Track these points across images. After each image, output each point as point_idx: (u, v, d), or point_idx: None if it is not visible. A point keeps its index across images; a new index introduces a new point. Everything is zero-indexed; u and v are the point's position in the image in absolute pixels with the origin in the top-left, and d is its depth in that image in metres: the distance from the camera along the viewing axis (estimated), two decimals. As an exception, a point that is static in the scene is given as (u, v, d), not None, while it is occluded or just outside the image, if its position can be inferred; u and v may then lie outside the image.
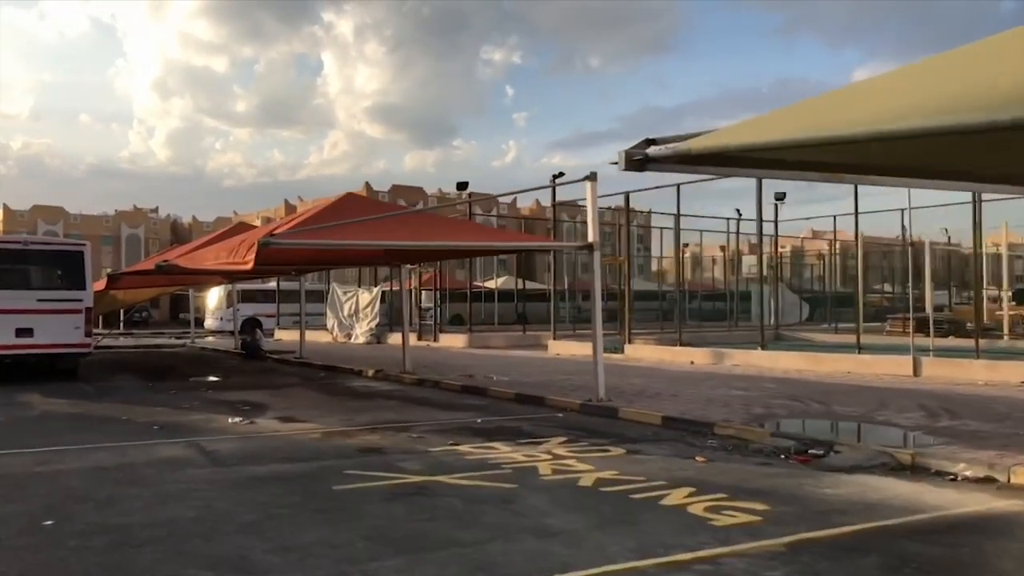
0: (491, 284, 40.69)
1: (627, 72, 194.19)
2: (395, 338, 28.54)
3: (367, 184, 76.17)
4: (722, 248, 37.83)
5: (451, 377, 15.90)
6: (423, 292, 34.45)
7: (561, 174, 23.13)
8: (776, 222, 25.93)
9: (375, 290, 31.23)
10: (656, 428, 10.11)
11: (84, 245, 17.53)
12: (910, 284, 17.48)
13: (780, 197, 27.44)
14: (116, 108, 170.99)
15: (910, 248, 16.77)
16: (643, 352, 21.06)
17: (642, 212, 33.48)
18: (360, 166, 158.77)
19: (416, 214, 18.24)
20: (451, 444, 8.94)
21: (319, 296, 33.18)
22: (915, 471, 7.34)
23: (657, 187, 21.94)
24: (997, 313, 24.99)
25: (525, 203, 79.76)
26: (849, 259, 39.83)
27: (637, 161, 4.40)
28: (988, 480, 6.93)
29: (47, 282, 16.93)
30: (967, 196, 21.38)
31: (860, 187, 18.35)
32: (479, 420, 11.01)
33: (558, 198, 25.82)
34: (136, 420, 11.17)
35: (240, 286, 34.27)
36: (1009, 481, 6.85)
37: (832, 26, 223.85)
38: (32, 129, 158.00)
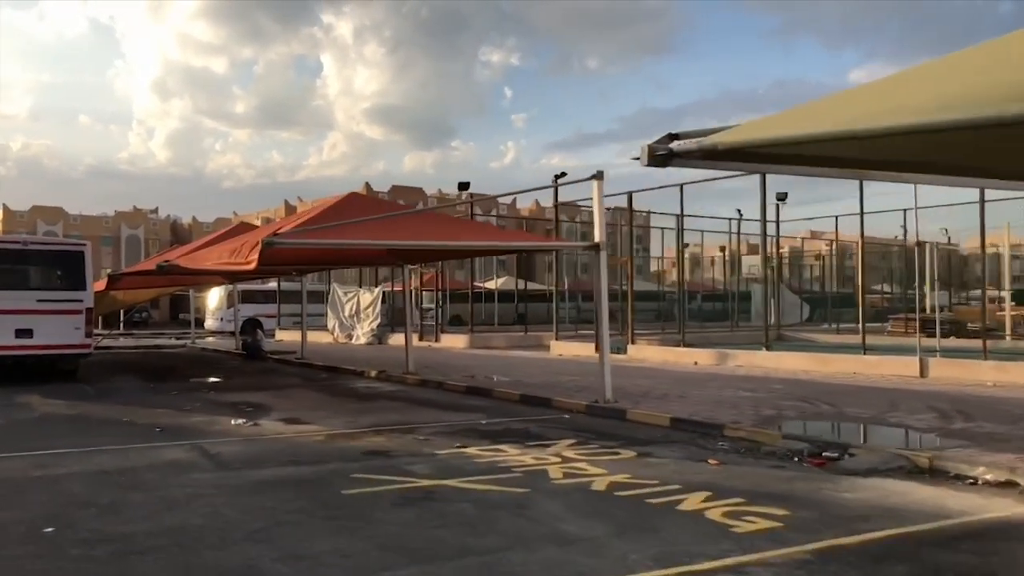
0: (491, 284, 40.52)
1: (626, 73, 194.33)
2: (396, 339, 28.39)
3: (367, 185, 76.00)
4: (722, 249, 37.72)
5: (454, 378, 15.75)
6: (423, 293, 34.31)
7: (563, 174, 23.00)
8: (777, 222, 25.83)
9: (376, 290, 31.08)
10: (665, 430, 9.96)
11: (84, 245, 17.36)
12: (916, 284, 17.32)
13: (782, 197, 27.30)
14: (115, 109, 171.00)
15: (916, 248, 16.59)
16: (646, 353, 20.92)
17: (640, 212, 33.34)
18: (359, 167, 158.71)
19: (419, 214, 18.08)
20: (458, 446, 8.79)
21: (320, 297, 33.02)
22: (934, 474, 7.20)
23: (661, 187, 21.85)
24: (998, 313, 24.87)
25: (524, 204, 79.65)
26: (847, 259, 39.79)
27: (660, 156, 4.24)
28: (1010, 484, 6.78)
29: (47, 282, 16.77)
30: (968, 196, 21.26)
31: (861, 188, 18.28)
32: (485, 422, 10.86)
33: (557, 199, 25.68)
34: (137, 422, 11.02)
35: (241, 286, 34.07)
36: (1031, 485, 6.70)
37: (831, 27, 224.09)
38: (31, 130, 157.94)
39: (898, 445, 8.50)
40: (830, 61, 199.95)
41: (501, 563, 4.87)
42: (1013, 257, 27.52)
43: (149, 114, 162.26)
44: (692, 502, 6.22)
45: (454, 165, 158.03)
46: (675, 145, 4.27)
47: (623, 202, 23.05)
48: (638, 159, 4.37)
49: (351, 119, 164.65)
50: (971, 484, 6.85)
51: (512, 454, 8.34)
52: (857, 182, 17.49)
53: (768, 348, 18.91)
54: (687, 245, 31.51)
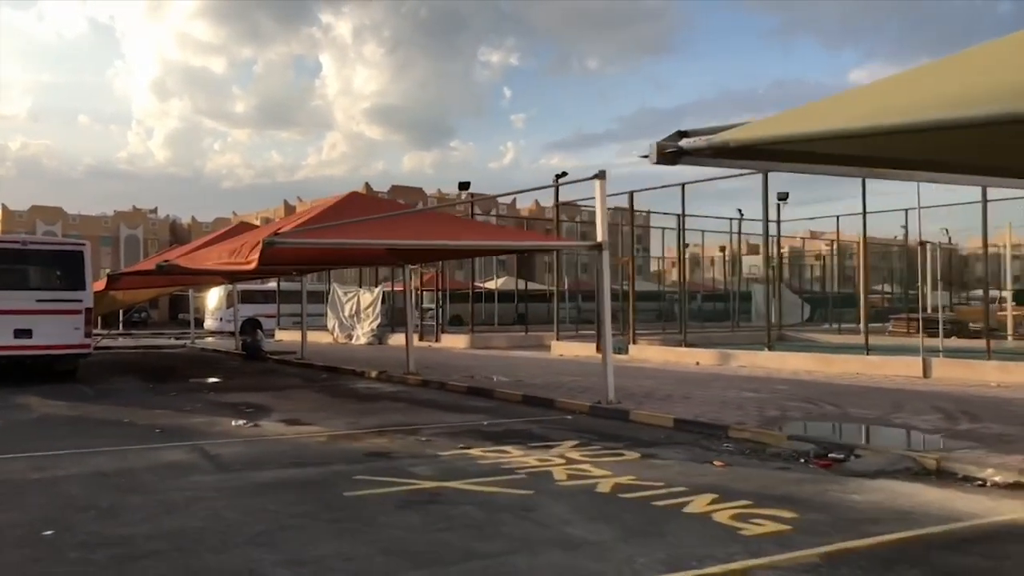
0: (491, 285, 40.45)
1: (625, 73, 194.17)
2: (396, 339, 28.32)
3: (366, 184, 75.89)
4: (721, 249, 37.66)
5: (456, 378, 15.67)
6: (424, 293, 34.24)
7: (564, 173, 22.97)
8: (779, 222, 25.79)
9: (376, 290, 31.00)
10: (669, 431, 9.89)
11: (84, 245, 17.27)
12: (920, 284, 17.29)
13: (783, 197, 27.27)
14: (115, 109, 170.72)
15: (919, 248, 16.53)
16: (647, 353, 20.85)
17: (640, 212, 33.26)
18: (358, 167, 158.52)
19: (420, 213, 18.01)
20: (462, 448, 8.72)
21: (319, 297, 32.94)
22: (941, 476, 7.13)
23: (663, 186, 21.76)
24: (999, 314, 24.81)
25: (524, 204, 79.58)
26: (846, 259, 39.74)
27: (670, 154, 4.17)
28: (1019, 486, 6.71)
29: (46, 282, 16.69)
30: (969, 196, 21.19)
31: (864, 188, 18.22)
32: (487, 423, 10.79)
33: (558, 198, 25.61)
34: (137, 423, 10.94)
35: (240, 286, 33.99)
36: (1041, 487, 6.64)
37: (830, 27, 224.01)
38: (30, 130, 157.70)
39: (904, 446, 8.44)
40: (829, 61, 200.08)
41: (506, 567, 4.80)
42: (1013, 257, 27.41)
43: (148, 114, 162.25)
44: (698, 504, 6.15)
45: (453, 165, 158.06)
46: (685, 143, 4.21)
47: (623, 202, 23.01)
48: (646, 157, 4.31)
49: (350, 119, 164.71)
50: (979, 486, 6.78)
51: (516, 455, 8.27)
52: (857, 182, 17.45)
53: (770, 348, 18.83)
54: (687, 245, 31.48)
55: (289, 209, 74.80)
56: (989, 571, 4.83)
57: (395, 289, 31.90)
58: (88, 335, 16.65)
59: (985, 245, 16.85)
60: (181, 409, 12.29)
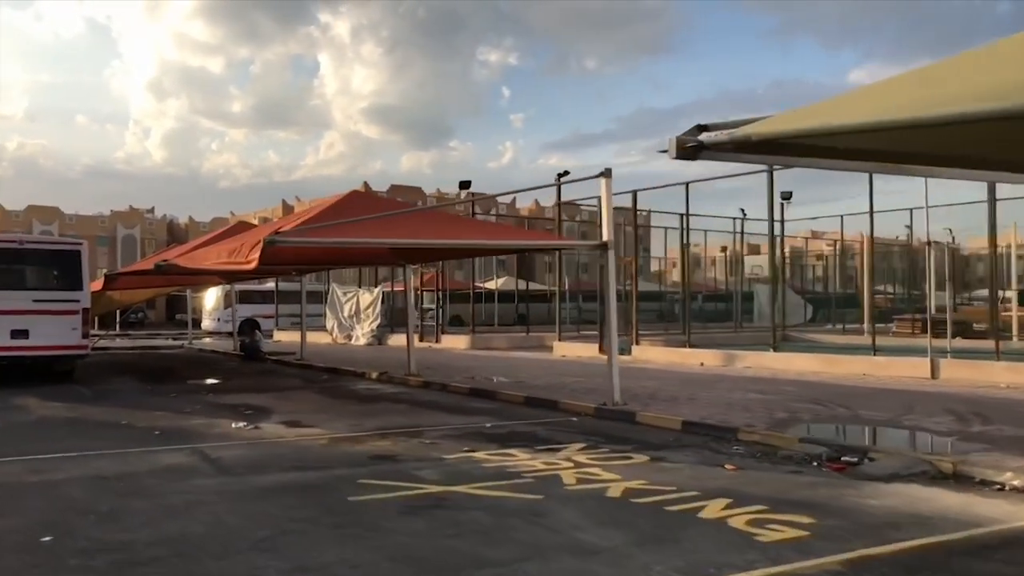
0: (491, 285, 40.30)
1: (624, 73, 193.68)
2: (396, 339, 28.18)
3: (365, 184, 75.70)
4: (723, 249, 37.53)
5: (458, 380, 15.52)
6: (423, 293, 34.08)
7: (566, 172, 22.84)
8: (782, 221, 25.65)
9: (376, 291, 30.84)
10: (677, 433, 9.74)
11: (81, 244, 17.09)
12: (928, 284, 17.10)
13: (786, 196, 27.11)
14: (112, 109, 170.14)
15: (927, 248, 16.39)
16: (651, 354, 20.71)
17: (640, 212, 33.11)
18: (356, 167, 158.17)
19: (422, 212, 17.87)
20: (467, 451, 8.57)
21: (318, 297, 32.79)
22: (958, 480, 6.98)
23: (666, 185, 21.63)
24: (1004, 314, 24.69)
25: (524, 203, 79.41)
26: (848, 260, 39.60)
27: (690, 149, 4.04)
28: (1038, 490, 6.57)
29: (43, 282, 16.53)
30: (974, 196, 21.09)
31: (862, 187, 18.09)
32: (491, 425, 10.63)
33: (556, 198, 25.46)
34: (136, 425, 10.79)
35: (238, 287, 33.82)
36: (1061, 491, 6.50)
37: (829, 27, 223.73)
38: (28, 130, 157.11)
39: (919, 449, 8.30)
40: (828, 61, 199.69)
41: (518, 575, 4.66)
42: (1018, 257, 27.29)
43: (145, 114, 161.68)
44: (713, 509, 6.00)
45: (452, 165, 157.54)
46: (704, 137, 4.08)
47: (622, 201, 22.82)
48: (665, 152, 4.17)
49: (348, 119, 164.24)
50: (998, 490, 6.63)
51: (522, 459, 8.12)
52: (859, 183, 17.40)
53: (776, 349, 18.68)
54: (688, 245, 31.32)
55: (287, 209, 74.60)
56: (1017, 579, 4.69)
57: (394, 289, 31.77)
58: (86, 335, 16.49)
59: (994, 244, 16.70)
60: (180, 411, 12.13)
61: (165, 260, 16.43)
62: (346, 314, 31.61)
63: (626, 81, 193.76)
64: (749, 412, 10.75)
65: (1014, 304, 24.67)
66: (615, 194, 12.62)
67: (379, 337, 29.72)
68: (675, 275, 41.06)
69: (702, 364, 18.75)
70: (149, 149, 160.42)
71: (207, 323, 41.19)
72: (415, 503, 6.33)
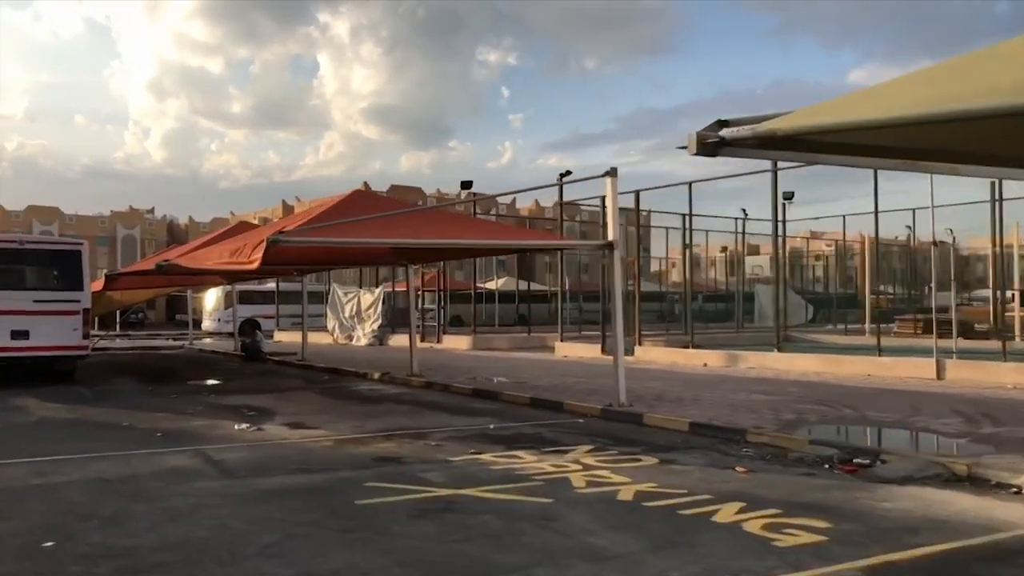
0: (491, 285, 40.21)
1: (623, 73, 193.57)
2: (397, 340, 28.09)
3: (366, 184, 75.56)
4: (723, 249, 37.42)
5: (460, 380, 15.42)
6: (424, 293, 33.97)
7: (568, 172, 22.73)
8: (784, 221, 25.51)
9: (377, 291, 30.73)
10: (684, 435, 9.64)
11: (82, 244, 16.98)
12: (932, 284, 17.01)
13: (788, 196, 26.97)
14: (111, 109, 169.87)
15: (932, 248, 16.31)
16: (653, 354, 20.60)
17: (641, 212, 32.98)
18: (356, 167, 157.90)
19: (426, 212, 17.76)
20: (473, 453, 8.46)
21: (318, 297, 32.67)
22: (974, 483, 6.88)
23: (669, 185, 21.53)
24: (1006, 315, 24.61)
25: (523, 203, 79.30)
26: (848, 260, 39.52)
27: (711, 144, 3.93)
28: (1055, 493, 6.48)
29: (44, 282, 16.41)
30: (976, 196, 21.02)
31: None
32: (495, 426, 10.53)
33: (557, 198, 25.37)
34: (138, 426, 10.69)
35: (239, 287, 33.71)
36: (1079, 494, 6.40)
37: (829, 27, 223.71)
38: (27, 130, 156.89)
39: (931, 451, 8.21)
40: (828, 61, 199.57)
41: (533, 582, 4.56)
42: (1020, 257, 27.18)
43: (145, 114, 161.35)
44: (727, 513, 5.90)
45: (451, 165, 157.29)
46: (726, 132, 3.96)
47: (624, 201, 22.68)
48: (685, 148, 4.06)
49: (348, 119, 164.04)
50: (1015, 493, 6.53)
51: (529, 461, 8.02)
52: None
53: (780, 349, 18.57)
54: (689, 245, 31.22)
55: (287, 209, 74.47)
56: (1041, 585, 4.59)
57: (395, 289, 31.66)
58: (86, 336, 16.39)
59: (1001, 244, 16.65)
60: (182, 412, 12.02)
61: (166, 260, 16.33)
62: (347, 314, 31.50)
63: (625, 81, 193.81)
64: (756, 413, 10.65)
65: (1016, 304, 24.57)
66: (621, 193, 12.49)
67: (380, 337, 29.61)
68: (675, 275, 41.00)
69: (705, 365, 18.66)
70: (149, 149, 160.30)
71: (207, 323, 41.06)
72: (423, 506, 6.23)
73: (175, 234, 78.89)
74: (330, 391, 15.27)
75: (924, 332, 23.35)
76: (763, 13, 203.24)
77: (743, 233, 31.06)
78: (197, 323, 40.12)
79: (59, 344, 15.73)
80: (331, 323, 32.29)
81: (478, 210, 31.85)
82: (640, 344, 21.27)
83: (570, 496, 6.57)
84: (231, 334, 28.94)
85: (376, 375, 17.23)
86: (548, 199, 63.42)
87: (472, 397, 13.85)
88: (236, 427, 10.43)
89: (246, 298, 37.58)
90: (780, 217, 21.34)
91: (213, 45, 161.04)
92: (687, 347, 20.71)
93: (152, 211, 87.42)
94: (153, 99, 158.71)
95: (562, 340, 23.84)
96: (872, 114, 3.54)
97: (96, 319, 31.81)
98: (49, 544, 5.29)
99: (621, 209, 24.65)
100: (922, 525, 5.65)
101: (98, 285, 21.25)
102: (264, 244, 10.35)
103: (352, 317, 31.21)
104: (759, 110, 3.98)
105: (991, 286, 24.10)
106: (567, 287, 29.63)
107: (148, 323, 60.68)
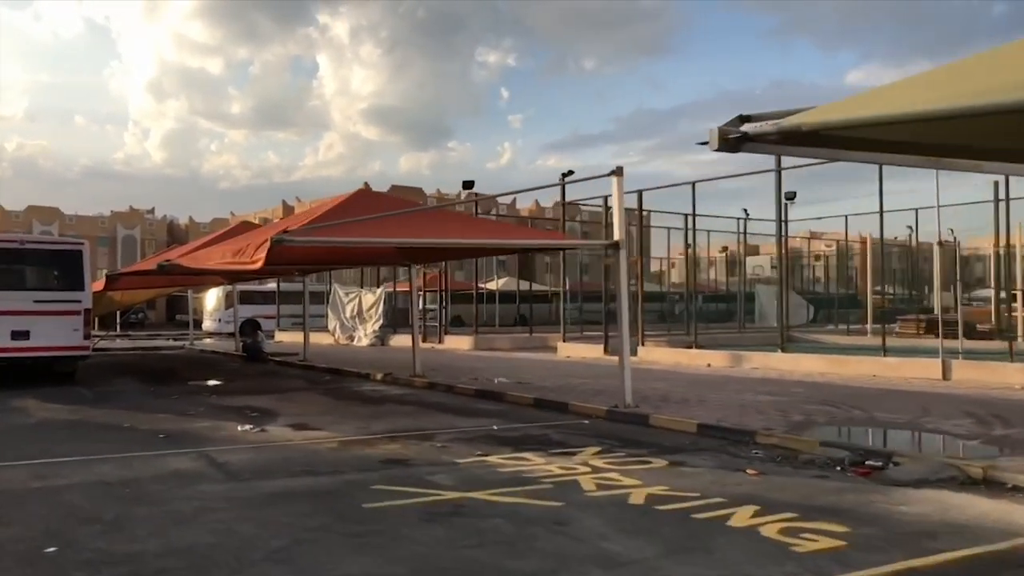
0: (491, 285, 40.09)
1: (623, 73, 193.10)
2: (398, 340, 27.98)
3: (366, 184, 75.35)
4: (723, 249, 37.30)
5: (463, 381, 15.31)
6: (426, 293, 33.84)
7: (571, 172, 22.66)
8: (786, 221, 25.40)
9: (378, 291, 30.62)
10: (693, 437, 9.54)
11: (83, 244, 16.86)
12: (937, 285, 16.92)
13: (790, 196, 26.86)
14: (111, 110, 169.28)
15: (936, 248, 16.21)
16: (656, 355, 20.50)
17: (643, 212, 32.87)
18: (355, 168, 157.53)
19: (429, 211, 17.66)
20: (480, 455, 8.35)
21: (319, 297, 32.55)
22: (989, 486, 6.78)
23: (673, 185, 21.42)
24: (1010, 315, 24.49)
25: (523, 204, 79.19)
26: (848, 260, 39.40)
27: (732, 140, 3.83)
28: (1073, 496, 6.37)
29: (44, 282, 16.30)
30: (979, 196, 20.93)
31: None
32: (500, 428, 10.42)
33: (557, 198, 25.28)
34: (139, 428, 10.58)
35: (240, 287, 33.59)
36: (1098, 497, 6.30)
37: (828, 28, 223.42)
38: (27, 130, 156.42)
39: (944, 453, 8.10)
40: (827, 62, 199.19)
41: (548, 589, 4.46)
42: (1022, 257, 27.09)
43: (145, 115, 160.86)
44: (741, 517, 5.79)
45: (451, 166, 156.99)
46: (748, 127, 3.86)
47: (626, 201, 22.58)
48: (706, 143, 3.97)
49: (347, 119, 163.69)
50: (1033, 497, 6.43)
51: (537, 463, 7.91)
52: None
53: (784, 350, 18.47)
54: (689, 246, 31.10)
55: (287, 209, 74.32)
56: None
57: (396, 290, 31.54)
58: (87, 336, 16.28)
59: (1008, 243, 16.52)
60: (184, 413, 11.91)
61: (168, 260, 16.22)
62: (348, 315, 31.38)
63: (625, 81, 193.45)
64: (763, 414, 10.55)
65: (1020, 304, 24.45)
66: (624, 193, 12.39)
67: (381, 338, 29.50)
68: (675, 275, 40.89)
69: (709, 365, 18.56)
70: (148, 150, 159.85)
71: (208, 324, 40.91)
72: (432, 510, 6.12)
73: (175, 234, 78.79)
74: (333, 392, 15.16)
75: (926, 332, 23.26)
76: (762, 13, 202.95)
77: (745, 233, 30.95)
78: (198, 323, 39.98)
79: (60, 344, 15.62)
80: (332, 323, 32.18)
81: (479, 210, 31.73)
82: (643, 344, 21.16)
83: (580, 499, 6.47)
84: (232, 334, 28.82)
85: (379, 376, 17.12)
86: (548, 199, 63.39)
87: (476, 398, 13.75)
88: (239, 428, 10.32)
89: (247, 298, 37.41)
90: (783, 217, 21.25)
91: (213, 46, 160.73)
92: (690, 347, 20.62)
93: (152, 211, 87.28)
94: (153, 100, 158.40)
95: (564, 340, 23.74)
96: (903, 108, 3.44)
97: (96, 319, 31.68)
98: (51, 550, 5.18)
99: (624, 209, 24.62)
100: (941, 529, 5.54)
101: (99, 285, 21.14)
102: (268, 244, 10.25)
103: (353, 317, 31.10)
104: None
105: (993, 286, 23.96)
106: (567, 287, 29.53)
107: (148, 323, 60.55)
